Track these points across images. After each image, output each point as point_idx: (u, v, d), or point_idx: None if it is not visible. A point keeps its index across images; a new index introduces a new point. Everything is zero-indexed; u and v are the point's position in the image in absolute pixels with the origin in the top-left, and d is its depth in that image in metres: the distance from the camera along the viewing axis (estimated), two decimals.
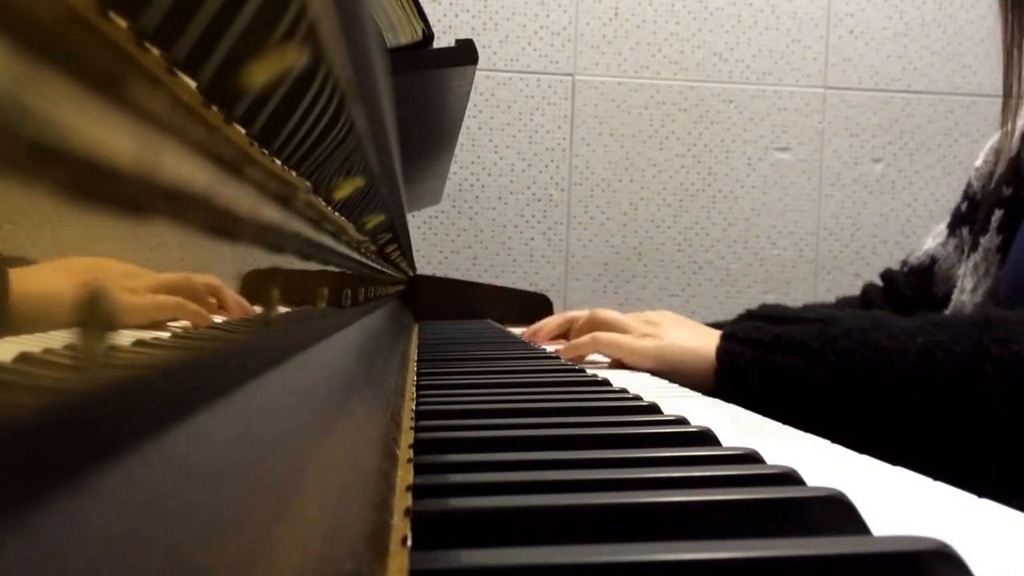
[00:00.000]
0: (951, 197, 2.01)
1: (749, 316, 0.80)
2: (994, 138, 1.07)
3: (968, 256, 0.96)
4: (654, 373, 0.80)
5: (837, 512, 0.27)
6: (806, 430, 0.68)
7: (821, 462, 0.43)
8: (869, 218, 1.93)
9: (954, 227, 1.07)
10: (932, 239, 1.11)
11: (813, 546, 0.24)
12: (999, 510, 0.33)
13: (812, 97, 1.91)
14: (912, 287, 1.11)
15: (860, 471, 0.41)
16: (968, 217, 1.02)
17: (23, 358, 0.12)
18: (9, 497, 0.10)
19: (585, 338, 0.86)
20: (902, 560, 0.23)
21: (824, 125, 1.92)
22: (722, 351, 0.77)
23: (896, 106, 1.93)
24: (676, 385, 0.72)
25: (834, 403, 0.70)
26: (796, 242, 1.91)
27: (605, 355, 0.86)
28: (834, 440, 0.67)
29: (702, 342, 0.80)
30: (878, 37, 1.93)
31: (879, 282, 1.17)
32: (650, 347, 0.82)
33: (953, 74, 1.93)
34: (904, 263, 1.15)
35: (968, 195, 1.04)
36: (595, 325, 0.90)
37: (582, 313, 1.15)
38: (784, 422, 0.68)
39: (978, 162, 1.07)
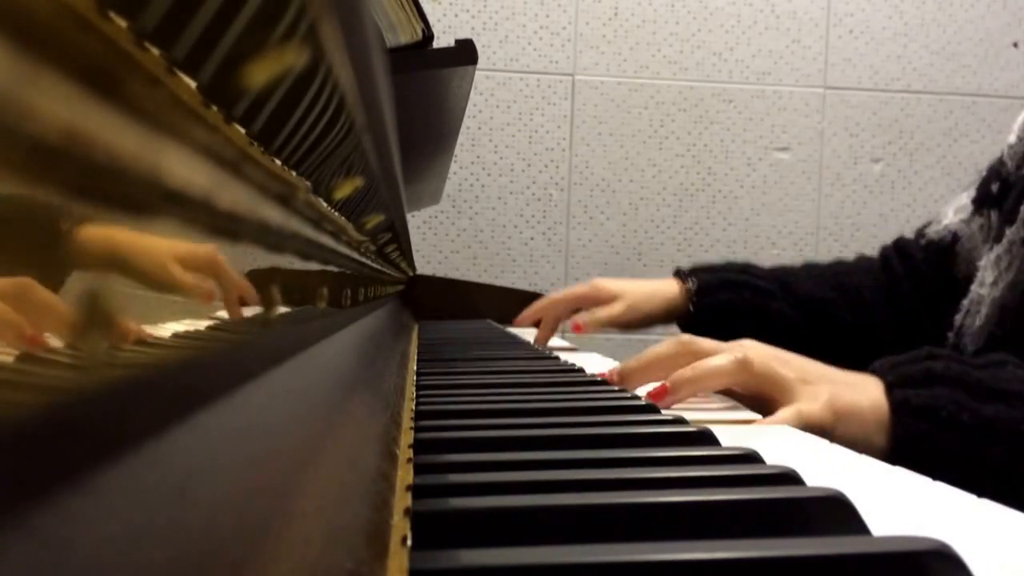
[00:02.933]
0: (951, 197, 2.01)
1: (933, 378, 0.61)
2: None
3: (991, 247, 0.90)
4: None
5: (837, 512, 0.27)
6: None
7: (821, 462, 0.43)
8: (869, 218, 1.93)
9: (981, 206, 0.96)
10: (954, 212, 1.01)
11: (813, 546, 0.24)
12: (999, 510, 0.33)
13: (812, 97, 1.91)
14: (930, 263, 1.03)
15: (860, 471, 0.41)
16: (999, 199, 0.93)
17: (23, 358, 0.12)
18: (9, 497, 0.10)
19: (787, 412, 0.60)
20: (902, 560, 0.23)
21: (824, 125, 1.92)
22: (899, 427, 0.59)
23: (896, 106, 1.93)
24: None
25: None
26: (796, 242, 1.91)
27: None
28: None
29: (867, 398, 0.61)
30: (878, 37, 1.93)
31: (883, 253, 1.10)
32: (822, 410, 0.60)
33: (953, 74, 1.93)
34: (920, 234, 1.07)
35: (1001, 175, 0.94)
36: (687, 354, 0.65)
37: (580, 289, 1.12)
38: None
39: (1012, 138, 0.94)
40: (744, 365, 0.61)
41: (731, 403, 0.65)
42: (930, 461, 0.56)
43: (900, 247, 1.10)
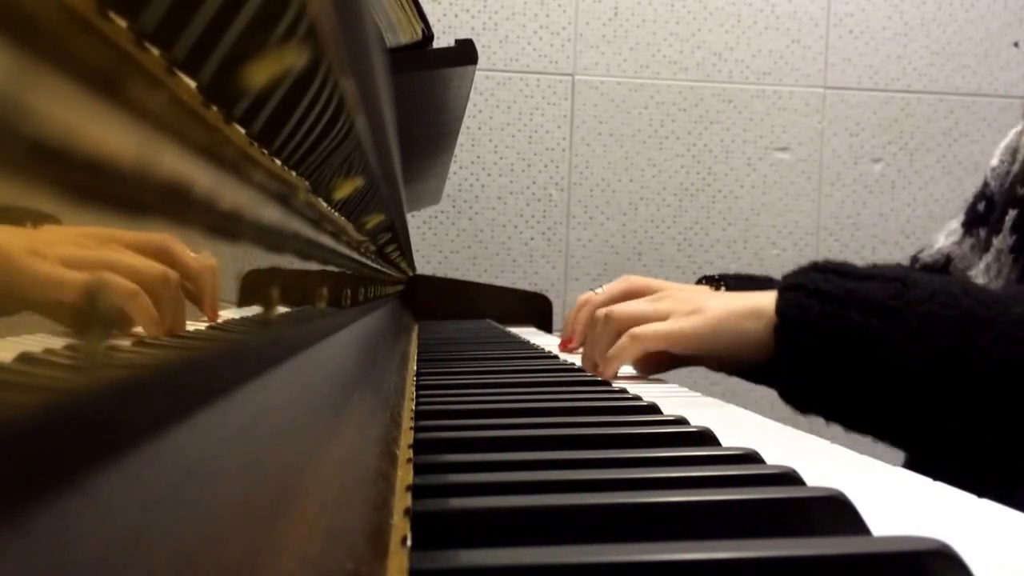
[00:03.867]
0: (951, 197, 2.02)
1: (815, 268, 0.69)
2: (1008, 137, 1.04)
3: (981, 258, 0.93)
4: (700, 357, 0.72)
5: (837, 512, 0.27)
6: (880, 405, 0.64)
7: (821, 461, 0.43)
8: (869, 218, 1.93)
9: (970, 226, 1.01)
10: (945, 237, 1.06)
11: (813, 546, 0.24)
12: (999, 510, 0.33)
13: (812, 97, 1.91)
14: None
15: (860, 471, 0.41)
16: (986, 217, 0.98)
17: (23, 358, 0.12)
18: (9, 497, 0.10)
19: (623, 340, 0.71)
20: (902, 560, 0.23)
21: (824, 125, 1.92)
22: (787, 303, 0.67)
23: (896, 106, 1.93)
24: (674, 385, 0.72)
25: (913, 372, 0.63)
26: (796, 242, 1.91)
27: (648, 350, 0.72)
28: (907, 417, 0.64)
29: (755, 301, 0.69)
30: (878, 37, 1.93)
31: None
32: (703, 323, 0.69)
33: (953, 74, 1.93)
34: (915, 259, 1.10)
35: (986, 195, 1.00)
36: (616, 321, 0.74)
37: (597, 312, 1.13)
38: (852, 394, 0.65)
39: (994, 161, 1.02)
40: (606, 320, 0.74)
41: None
42: (801, 327, 0.65)
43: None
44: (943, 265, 1.03)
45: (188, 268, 0.20)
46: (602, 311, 0.75)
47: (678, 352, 0.72)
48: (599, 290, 1.11)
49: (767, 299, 0.69)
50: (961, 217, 1.04)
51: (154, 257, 0.17)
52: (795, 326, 0.66)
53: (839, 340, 0.65)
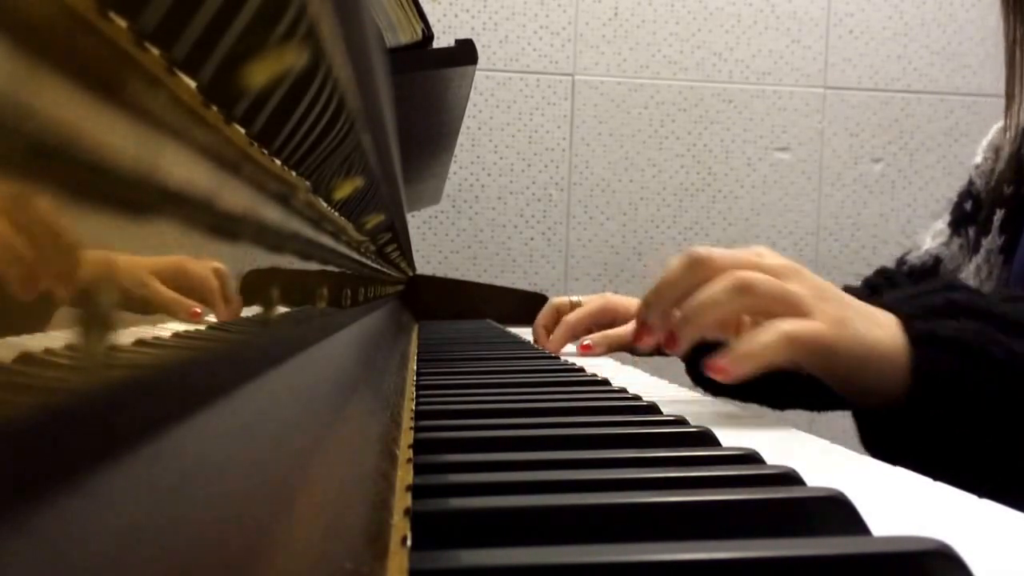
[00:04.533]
0: (951, 196, 2.01)
1: (954, 308, 0.55)
2: (990, 134, 1.02)
3: (970, 259, 0.91)
4: (798, 371, 0.55)
5: (837, 512, 0.27)
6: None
7: (821, 461, 0.43)
8: (869, 218, 1.93)
9: (958, 226, 0.98)
10: (932, 238, 1.04)
11: (813, 546, 0.24)
12: (999, 510, 0.33)
13: (812, 97, 1.91)
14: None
15: (860, 471, 0.41)
16: (974, 216, 0.95)
17: (23, 358, 0.12)
18: (9, 497, 0.10)
19: (772, 336, 0.52)
20: (902, 560, 0.23)
21: (824, 125, 1.92)
22: (924, 361, 0.53)
23: (896, 106, 1.93)
24: (665, 382, 0.72)
25: None
26: (796, 242, 1.91)
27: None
28: None
29: (887, 331, 0.55)
30: (878, 37, 1.93)
31: (868, 282, 1.11)
32: (830, 327, 0.53)
33: (953, 74, 1.93)
34: (902, 262, 1.07)
35: (972, 194, 0.98)
36: (756, 296, 0.55)
37: (590, 301, 1.06)
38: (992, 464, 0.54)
39: (977, 159, 1.01)
40: (743, 288, 0.54)
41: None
42: (956, 402, 0.52)
43: (886, 276, 1.07)
44: (932, 267, 1.00)
45: (204, 286, 0.20)
46: (737, 275, 0.55)
47: (795, 365, 0.54)
48: (574, 298, 1.11)
49: (892, 332, 0.55)
50: (947, 217, 1.01)
51: (171, 279, 0.18)
52: (939, 391, 0.53)
53: (981, 398, 0.53)
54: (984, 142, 1.00)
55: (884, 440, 0.58)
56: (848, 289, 1.14)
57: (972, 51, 1.93)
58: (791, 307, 0.54)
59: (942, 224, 1.02)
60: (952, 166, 1.93)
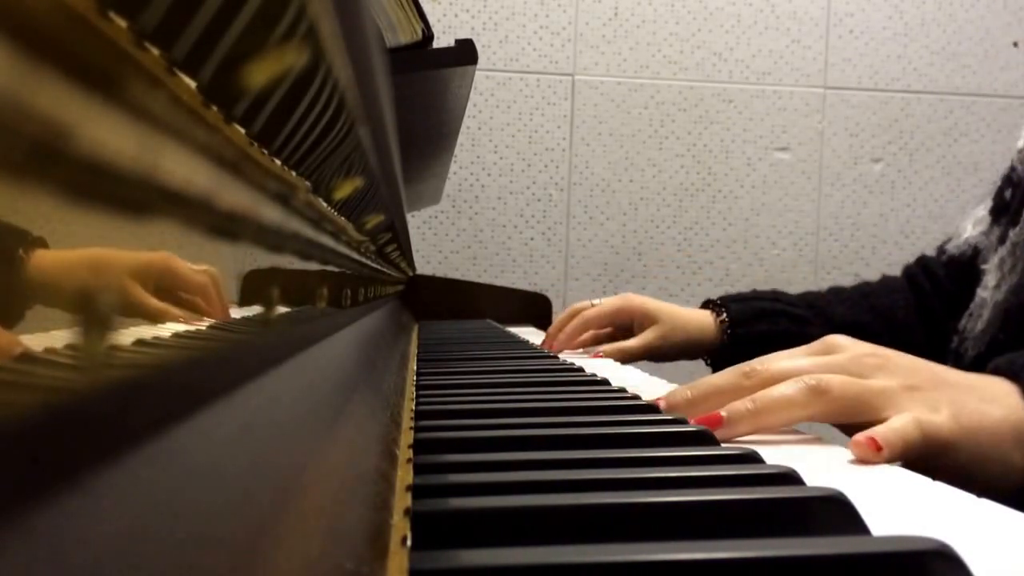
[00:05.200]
0: (951, 197, 2.02)
1: None
2: None
3: (996, 250, 0.87)
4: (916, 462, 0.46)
5: (837, 512, 0.27)
6: None
7: (820, 461, 0.43)
8: (869, 218, 1.93)
9: (998, 214, 0.92)
10: (972, 226, 0.97)
11: (813, 546, 0.24)
12: (999, 510, 0.33)
13: (812, 97, 1.91)
14: (953, 279, 0.98)
15: (860, 470, 0.41)
16: (1012, 205, 0.90)
17: (23, 358, 0.12)
18: (9, 497, 0.10)
19: (901, 420, 0.46)
20: (902, 560, 0.23)
21: (824, 125, 1.92)
22: None
23: (896, 106, 1.93)
24: (672, 385, 0.72)
25: None
26: (796, 242, 1.91)
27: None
28: None
29: (1000, 407, 0.49)
30: (878, 37, 1.93)
31: (908, 271, 1.06)
32: (946, 422, 0.47)
33: (953, 74, 1.93)
34: (942, 250, 1.03)
35: (1012, 180, 0.92)
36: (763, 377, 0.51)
37: (605, 304, 1.03)
38: None
39: (1021, 143, 0.92)
40: (818, 393, 0.48)
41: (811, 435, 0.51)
42: None
43: (924, 265, 1.05)
44: (970, 258, 0.96)
45: (191, 284, 0.20)
46: (813, 377, 0.49)
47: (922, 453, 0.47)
48: (596, 301, 1.09)
49: (1012, 403, 0.50)
50: (988, 203, 0.96)
51: (156, 275, 0.18)
52: None
53: None
54: None
55: None
56: (886, 280, 1.06)
57: (972, 51, 1.93)
58: (878, 407, 0.48)
59: (983, 211, 0.97)
60: (952, 166, 1.93)
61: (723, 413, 0.48)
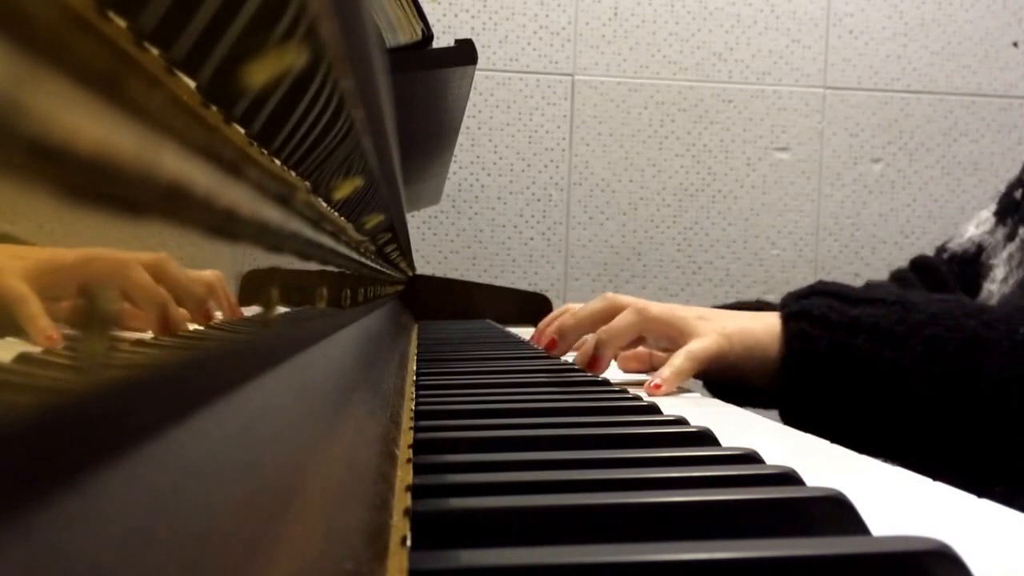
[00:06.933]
0: (951, 197, 2.02)
1: (815, 292, 0.71)
2: None
3: (1005, 246, 0.90)
4: (706, 375, 0.72)
5: (837, 512, 0.27)
6: (887, 429, 0.65)
7: (820, 461, 0.43)
8: (868, 218, 1.93)
9: (1004, 215, 0.96)
10: (975, 226, 1.01)
11: (813, 546, 0.24)
12: (999, 510, 0.33)
13: (811, 97, 1.91)
14: (956, 275, 1.01)
15: (860, 470, 0.41)
16: (1022, 203, 0.93)
17: (23, 358, 0.12)
18: (9, 497, 0.10)
19: (677, 357, 0.68)
20: (902, 560, 0.23)
21: (823, 125, 1.92)
22: (792, 333, 0.68)
23: (895, 106, 1.93)
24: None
25: (923, 396, 0.63)
26: (795, 242, 1.91)
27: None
28: (916, 439, 0.64)
29: (761, 323, 0.70)
30: (878, 37, 1.93)
31: (897, 275, 1.06)
32: (714, 338, 0.69)
33: (953, 74, 1.93)
34: (942, 249, 1.05)
35: (1022, 181, 0.95)
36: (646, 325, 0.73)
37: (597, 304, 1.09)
38: (860, 418, 0.66)
39: None
40: (641, 313, 0.72)
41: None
42: (809, 358, 0.67)
43: (920, 264, 1.06)
44: (974, 255, 0.99)
45: (185, 287, 0.20)
46: (637, 305, 0.73)
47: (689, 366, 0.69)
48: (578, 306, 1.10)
49: (771, 322, 0.70)
50: (993, 206, 0.99)
51: (151, 276, 0.17)
52: (803, 357, 0.67)
53: (848, 369, 0.65)
54: None
55: (795, 418, 0.70)
56: (871, 283, 1.11)
57: (972, 51, 1.93)
58: (678, 329, 0.71)
59: (988, 213, 1.00)
60: (951, 166, 1.93)
61: (583, 347, 0.76)
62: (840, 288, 0.71)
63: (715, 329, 0.69)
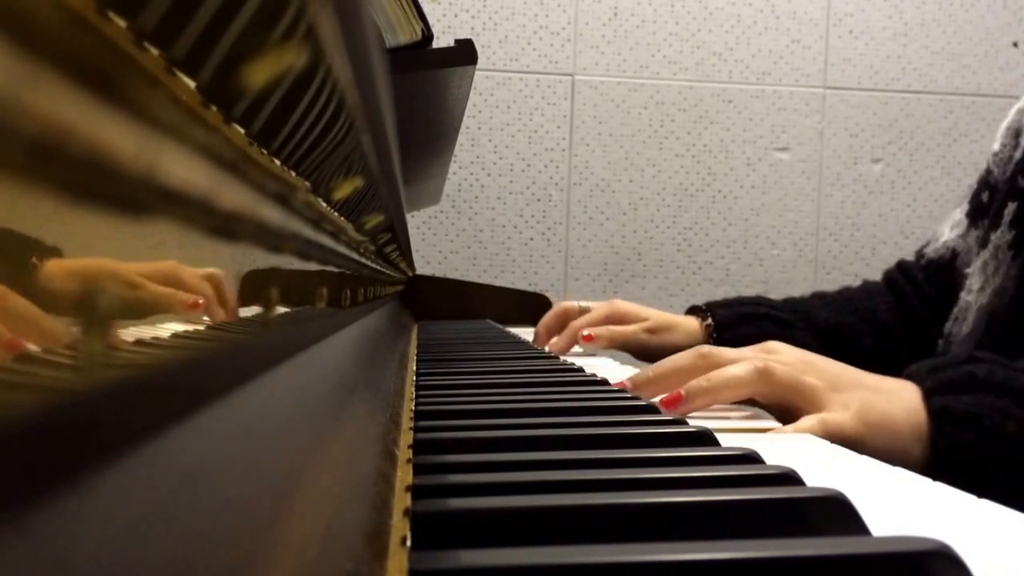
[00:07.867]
0: (951, 197, 2.02)
1: (969, 384, 0.58)
2: (1009, 116, 0.99)
3: (978, 253, 0.89)
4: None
5: (837, 512, 0.27)
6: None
7: (820, 461, 0.43)
8: (869, 218, 1.93)
9: (975, 217, 0.96)
10: (950, 229, 1.01)
11: (813, 546, 0.24)
12: (999, 510, 0.33)
13: (811, 97, 1.91)
14: (932, 283, 1.02)
15: (860, 471, 0.41)
16: (990, 208, 0.93)
17: (23, 358, 0.12)
18: (9, 497, 0.10)
19: (808, 420, 0.56)
20: (902, 560, 0.23)
21: (823, 125, 1.92)
22: (942, 438, 0.56)
23: (896, 106, 1.93)
24: None
25: None
26: (796, 242, 1.91)
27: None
28: None
29: (902, 408, 0.58)
30: (878, 37, 1.93)
31: (888, 275, 1.09)
32: (852, 425, 0.56)
33: (953, 74, 1.93)
34: (920, 255, 1.06)
35: (989, 183, 0.95)
36: (703, 362, 0.61)
37: (596, 307, 1.06)
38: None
39: (995, 146, 0.95)
40: (764, 375, 0.57)
41: (751, 411, 0.61)
42: (973, 473, 0.55)
43: (904, 268, 1.08)
44: (949, 261, 0.99)
45: (197, 290, 0.20)
46: (761, 361, 0.58)
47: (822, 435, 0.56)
48: (583, 303, 1.10)
49: (911, 404, 0.58)
50: (965, 207, 0.99)
51: (162, 283, 0.18)
52: (956, 464, 0.56)
53: (1002, 462, 0.56)
54: (1003, 125, 0.97)
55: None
56: (867, 284, 1.10)
57: (972, 51, 1.93)
58: (807, 399, 0.57)
59: (960, 214, 1.00)
60: (951, 166, 1.93)
61: (682, 392, 0.57)
62: (1007, 379, 0.58)
63: (849, 406, 0.57)
